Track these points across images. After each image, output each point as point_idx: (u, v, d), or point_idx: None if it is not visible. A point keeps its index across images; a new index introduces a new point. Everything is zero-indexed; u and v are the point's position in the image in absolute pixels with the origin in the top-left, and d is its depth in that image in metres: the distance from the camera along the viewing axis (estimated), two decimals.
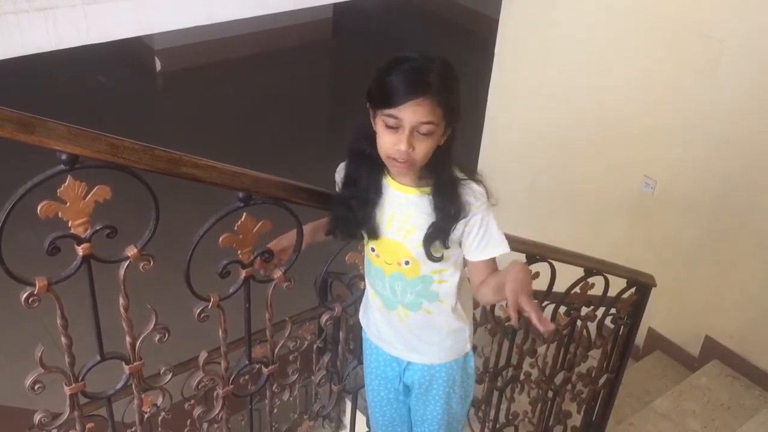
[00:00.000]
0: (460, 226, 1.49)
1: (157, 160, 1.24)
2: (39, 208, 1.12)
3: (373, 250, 1.59)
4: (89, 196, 1.17)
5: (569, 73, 3.37)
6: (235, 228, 1.40)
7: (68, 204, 1.16)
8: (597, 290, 2.25)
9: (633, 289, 2.40)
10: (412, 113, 1.37)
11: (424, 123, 1.37)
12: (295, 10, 2.99)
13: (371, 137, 1.47)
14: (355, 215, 1.53)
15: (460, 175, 1.50)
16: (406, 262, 1.56)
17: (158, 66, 6.35)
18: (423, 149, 1.40)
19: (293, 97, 6.31)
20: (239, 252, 1.44)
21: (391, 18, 7.50)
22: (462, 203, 1.47)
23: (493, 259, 1.57)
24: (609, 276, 2.23)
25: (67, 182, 1.14)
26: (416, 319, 1.64)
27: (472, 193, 1.48)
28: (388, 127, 1.40)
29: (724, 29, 2.75)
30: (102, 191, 1.18)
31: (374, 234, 1.55)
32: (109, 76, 6.29)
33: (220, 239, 1.37)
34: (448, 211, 1.47)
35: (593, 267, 2.17)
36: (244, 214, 1.40)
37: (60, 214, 1.16)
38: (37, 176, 1.12)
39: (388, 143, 1.41)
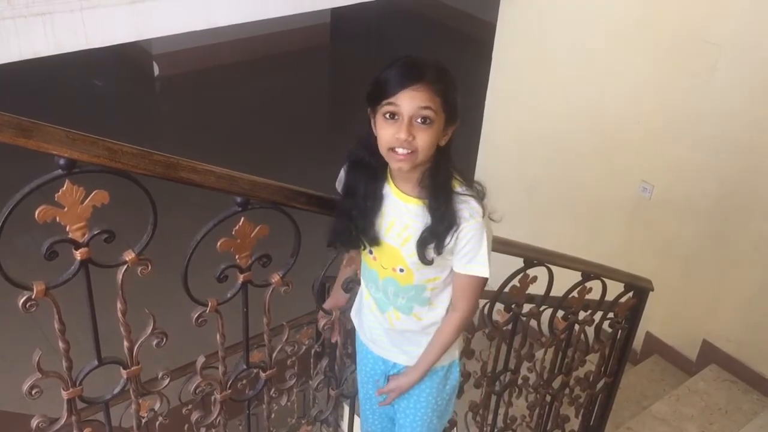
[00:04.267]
0: (452, 238, 1.49)
1: (155, 164, 1.24)
2: (37, 212, 1.12)
3: (370, 252, 1.60)
4: (87, 200, 1.17)
5: (567, 78, 3.38)
6: (233, 232, 1.40)
7: (66, 208, 1.16)
8: (595, 294, 2.25)
9: (631, 294, 2.40)
10: (409, 99, 1.38)
11: (422, 108, 1.38)
12: (294, 15, 3.00)
13: (370, 146, 1.48)
14: (356, 225, 1.54)
15: (460, 189, 1.49)
16: (401, 270, 1.57)
17: (156, 70, 6.35)
18: (424, 139, 1.40)
19: (291, 101, 6.31)
20: (237, 257, 1.43)
21: (389, 23, 7.51)
22: (456, 216, 1.47)
23: (473, 280, 1.56)
24: (607, 280, 2.23)
25: (65, 187, 1.14)
26: (407, 323, 1.65)
27: (468, 209, 1.48)
28: (387, 119, 1.41)
29: (722, 34, 2.76)
30: (100, 196, 1.18)
31: (374, 241, 1.56)
32: (107, 81, 6.29)
33: (218, 244, 1.37)
34: (442, 216, 1.47)
35: (591, 271, 2.17)
36: (242, 218, 1.40)
37: (58, 219, 1.16)
38: (34, 181, 1.12)
39: (388, 134, 1.41)
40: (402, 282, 1.59)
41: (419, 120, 1.39)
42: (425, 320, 1.64)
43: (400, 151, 1.41)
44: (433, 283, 1.59)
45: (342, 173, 1.60)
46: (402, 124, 1.39)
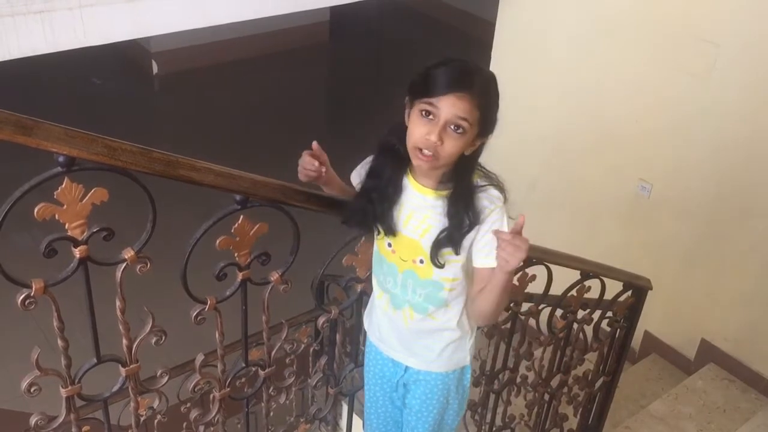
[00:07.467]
0: (472, 232, 1.50)
1: (154, 162, 1.24)
2: (36, 210, 1.12)
3: (389, 245, 1.60)
4: (86, 198, 1.17)
5: (565, 77, 3.38)
6: (232, 230, 1.40)
7: (65, 206, 1.16)
8: (593, 293, 2.25)
9: (629, 293, 2.41)
10: (450, 105, 1.38)
11: (460, 118, 1.38)
12: (293, 13, 3.00)
13: (402, 134, 1.47)
14: (374, 209, 1.54)
15: (481, 181, 1.51)
16: (421, 261, 1.57)
17: (155, 69, 6.34)
18: (451, 147, 1.40)
19: (290, 100, 6.30)
20: (236, 255, 1.44)
21: (388, 21, 7.51)
22: (477, 210, 1.48)
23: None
24: (605, 279, 2.23)
25: (64, 184, 1.14)
26: (421, 324, 1.64)
27: (488, 198, 1.50)
28: (423, 116, 1.40)
29: (720, 33, 2.76)
30: (99, 193, 1.18)
31: (390, 231, 1.56)
32: (105, 79, 6.28)
33: (217, 242, 1.37)
34: (461, 219, 1.47)
35: (590, 270, 2.18)
36: (241, 216, 1.40)
37: (57, 216, 1.16)
38: (34, 178, 1.12)
39: (419, 132, 1.41)
40: (421, 275, 1.58)
41: (452, 127, 1.39)
42: (439, 321, 1.64)
43: (425, 151, 1.41)
44: (452, 283, 1.58)
45: (361, 166, 1.61)
46: (436, 126, 1.39)
